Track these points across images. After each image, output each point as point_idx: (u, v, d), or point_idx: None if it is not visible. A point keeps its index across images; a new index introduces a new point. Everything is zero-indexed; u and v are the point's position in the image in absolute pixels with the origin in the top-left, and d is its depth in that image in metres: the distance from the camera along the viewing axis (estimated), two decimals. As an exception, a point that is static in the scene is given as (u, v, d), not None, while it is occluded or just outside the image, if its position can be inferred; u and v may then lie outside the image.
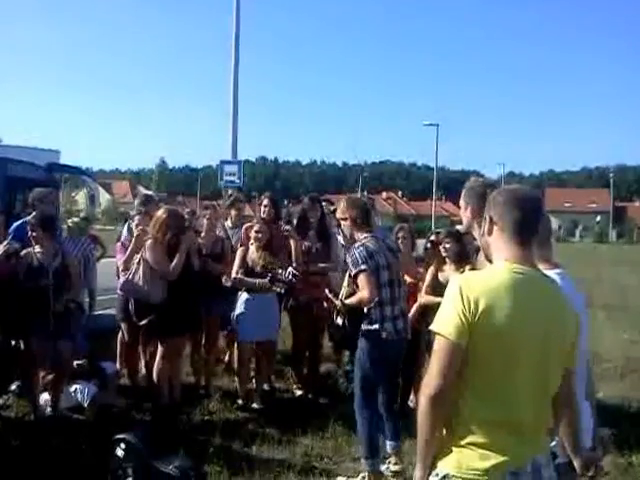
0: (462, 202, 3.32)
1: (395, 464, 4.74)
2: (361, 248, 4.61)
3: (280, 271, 6.05)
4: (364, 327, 4.63)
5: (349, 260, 4.66)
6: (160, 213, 5.88)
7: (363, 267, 4.52)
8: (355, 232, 4.82)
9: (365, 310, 4.62)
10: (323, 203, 7.28)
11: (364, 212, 4.82)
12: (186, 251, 5.73)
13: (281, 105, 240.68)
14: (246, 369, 6.45)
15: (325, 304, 5.20)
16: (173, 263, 5.67)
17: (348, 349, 7.04)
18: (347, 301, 4.69)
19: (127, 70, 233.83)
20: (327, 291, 5.04)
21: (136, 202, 7.27)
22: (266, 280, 6.06)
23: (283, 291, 6.16)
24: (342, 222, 4.99)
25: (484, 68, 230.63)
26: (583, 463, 2.58)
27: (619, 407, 6.52)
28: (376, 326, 4.60)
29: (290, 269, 6.11)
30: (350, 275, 4.68)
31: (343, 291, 4.83)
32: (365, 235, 4.74)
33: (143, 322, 5.76)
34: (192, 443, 4.95)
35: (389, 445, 4.80)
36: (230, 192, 8.12)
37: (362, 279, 4.53)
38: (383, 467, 4.75)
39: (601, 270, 23.10)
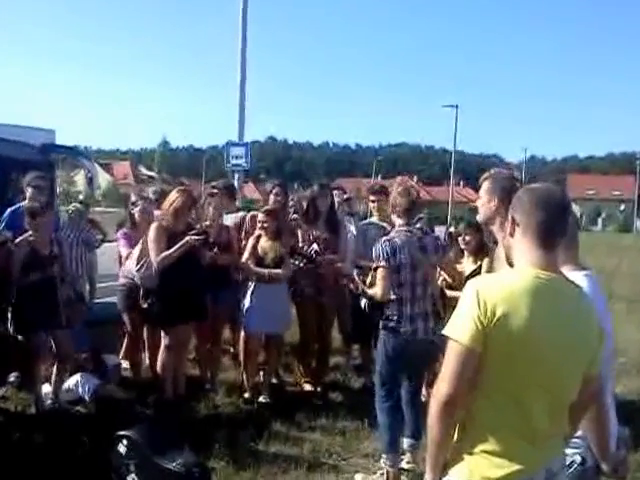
0: (485, 194, 3.33)
1: (408, 462, 4.80)
2: (387, 243, 4.70)
3: (301, 244, 6.13)
4: (382, 322, 4.75)
5: (374, 251, 4.76)
6: (176, 196, 5.86)
7: (382, 264, 4.65)
8: (394, 221, 4.92)
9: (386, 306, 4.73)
10: (335, 192, 7.28)
11: (408, 203, 4.86)
12: (185, 250, 5.69)
13: (292, 83, 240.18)
14: (254, 362, 6.50)
15: (352, 285, 5.31)
16: (163, 254, 5.66)
17: (358, 342, 7.12)
18: (367, 290, 4.85)
19: (127, 44, 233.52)
20: (355, 273, 5.13)
21: (151, 192, 7.24)
22: (275, 271, 6.14)
23: (302, 264, 6.20)
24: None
25: (506, 49, 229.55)
26: (612, 466, 2.64)
27: (636, 403, 6.56)
28: (392, 324, 4.70)
29: (314, 245, 6.19)
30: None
31: (369, 278, 4.94)
32: (400, 227, 4.82)
33: (144, 305, 5.83)
34: (197, 438, 5.00)
35: (407, 442, 4.86)
36: (213, 184, 8.03)
37: (379, 275, 4.68)
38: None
39: (623, 261, 22.99)
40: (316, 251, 6.27)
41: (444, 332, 2.21)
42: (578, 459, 2.70)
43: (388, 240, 4.73)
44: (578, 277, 2.59)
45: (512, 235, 2.32)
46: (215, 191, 7.03)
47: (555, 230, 2.25)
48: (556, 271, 2.24)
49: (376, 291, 4.72)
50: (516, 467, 2.16)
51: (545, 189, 2.32)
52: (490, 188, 3.29)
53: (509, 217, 2.34)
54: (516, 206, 2.31)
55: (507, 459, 2.16)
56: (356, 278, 5.05)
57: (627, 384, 7.10)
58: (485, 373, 2.16)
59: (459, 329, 2.16)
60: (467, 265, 6.05)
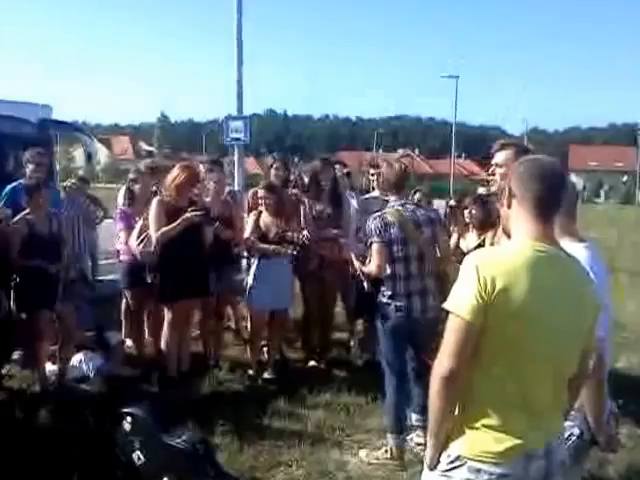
0: (506, 163, 3.32)
1: (419, 436, 4.81)
2: (378, 219, 4.65)
3: (290, 233, 6.10)
4: (379, 299, 4.73)
5: (367, 228, 4.73)
6: (178, 172, 5.83)
7: (375, 239, 4.61)
8: (389, 195, 4.88)
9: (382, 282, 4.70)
10: (336, 166, 7.23)
11: (399, 176, 4.81)
12: (185, 226, 5.67)
13: (291, 54, 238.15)
14: (259, 338, 6.52)
15: (351, 268, 5.27)
16: (163, 229, 5.65)
17: (362, 317, 7.11)
18: (363, 268, 4.80)
19: (124, 16, 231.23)
20: (353, 255, 5.09)
21: (143, 165, 7.17)
22: (278, 247, 6.14)
23: (295, 253, 6.20)
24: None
25: (507, 19, 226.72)
26: (606, 439, 2.70)
27: (638, 377, 6.56)
28: (387, 300, 4.68)
29: (305, 232, 6.19)
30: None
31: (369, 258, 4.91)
32: (394, 203, 4.77)
33: (148, 280, 5.84)
34: (201, 415, 5.03)
35: (414, 418, 4.88)
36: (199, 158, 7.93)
37: (373, 250, 4.65)
38: (407, 438, 4.84)
39: (624, 233, 22.96)
40: (307, 237, 6.22)
41: (444, 306, 2.23)
42: (576, 431, 2.75)
43: (379, 216, 4.68)
44: (578, 248, 2.63)
45: (509, 206, 2.34)
46: (210, 166, 6.94)
47: (550, 202, 2.26)
48: (553, 242, 2.26)
49: (370, 268, 4.68)
50: (516, 441, 2.18)
51: (541, 161, 2.33)
52: (510, 159, 3.25)
53: (506, 188, 2.36)
54: (513, 178, 2.33)
55: (507, 433, 2.19)
56: (354, 259, 4.99)
57: (629, 358, 7.11)
58: (486, 347, 2.18)
59: (459, 303, 2.17)
60: (471, 239, 6.03)
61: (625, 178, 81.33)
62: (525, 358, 2.19)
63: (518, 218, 2.30)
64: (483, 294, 2.13)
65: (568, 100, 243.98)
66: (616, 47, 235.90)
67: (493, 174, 3.54)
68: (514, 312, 2.14)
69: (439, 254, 4.93)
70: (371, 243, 4.65)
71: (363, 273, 4.81)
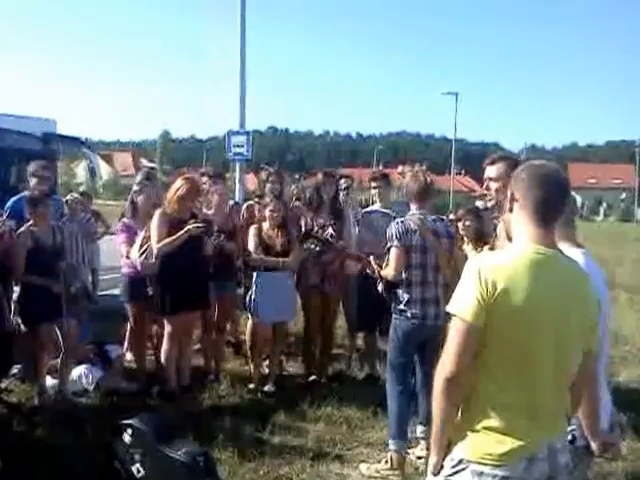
0: (499, 177, 3.36)
1: (422, 449, 4.79)
2: (400, 224, 4.76)
3: (316, 228, 6.13)
4: (393, 305, 4.80)
5: (387, 232, 4.81)
6: (181, 184, 5.84)
7: (395, 243, 4.70)
8: (411, 205, 4.95)
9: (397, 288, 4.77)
10: (343, 179, 7.30)
11: (423, 188, 4.88)
12: (185, 238, 5.67)
13: (292, 73, 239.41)
14: (261, 352, 6.49)
15: (369, 270, 5.28)
16: (163, 241, 5.65)
17: (363, 330, 7.10)
18: (382, 272, 4.88)
19: (127, 34, 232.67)
20: (372, 258, 5.12)
21: (139, 177, 7.20)
22: (287, 259, 6.16)
23: (318, 249, 6.20)
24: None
25: (506, 37, 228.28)
26: (601, 445, 2.66)
27: (638, 391, 6.52)
28: (402, 306, 4.74)
29: (329, 230, 6.19)
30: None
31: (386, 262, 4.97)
32: (414, 211, 4.85)
33: (150, 293, 5.84)
34: (201, 428, 5.01)
35: (419, 430, 4.87)
36: (202, 170, 8.01)
37: (391, 255, 4.74)
38: (410, 451, 4.83)
39: (624, 251, 22.96)
40: (331, 234, 6.27)
41: (447, 309, 2.27)
42: (568, 437, 2.71)
43: (401, 221, 4.79)
44: (576, 254, 2.65)
45: (511, 210, 2.38)
46: (207, 180, 6.97)
47: (552, 207, 2.29)
48: (553, 246, 2.29)
49: (387, 271, 4.76)
50: (517, 443, 2.20)
51: (543, 166, 2.37)
52: (508, 172, 3.28)
53: (508, 193, 2.39)
54: (515, 182, 2.36)
55: (509, 435, 2.20)
56: (372, 262, 5.04)
57: (630, 372, 7.08)
58: (488, 349, 2.21)
59: (461, 305, 2.21)
60: (468, 251, 6.02)
61: (624, 195, 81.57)
62: (527, 359, 2.21)
63: (519, 222, 2.33)
64: (485, 296, 2.16)
65: (565, 117, 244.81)
66: (614, 64, 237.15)
67: (488, 189, 3.56)
68: (516, 314, 2.17)
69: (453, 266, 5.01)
70: (390, 247, 4.73)
71: (380, 276, 4.86)
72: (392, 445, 4.68)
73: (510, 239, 2.44)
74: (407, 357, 4.82)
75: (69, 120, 51.80)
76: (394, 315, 4.81)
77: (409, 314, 4.71)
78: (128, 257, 6.24)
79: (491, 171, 3.51)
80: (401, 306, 4.74)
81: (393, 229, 4.75)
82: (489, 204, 3.62)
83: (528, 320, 2.18)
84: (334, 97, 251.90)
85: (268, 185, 6.90)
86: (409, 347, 4.79)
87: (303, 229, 6.53)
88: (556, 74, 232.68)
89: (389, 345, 4.92)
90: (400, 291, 4.75)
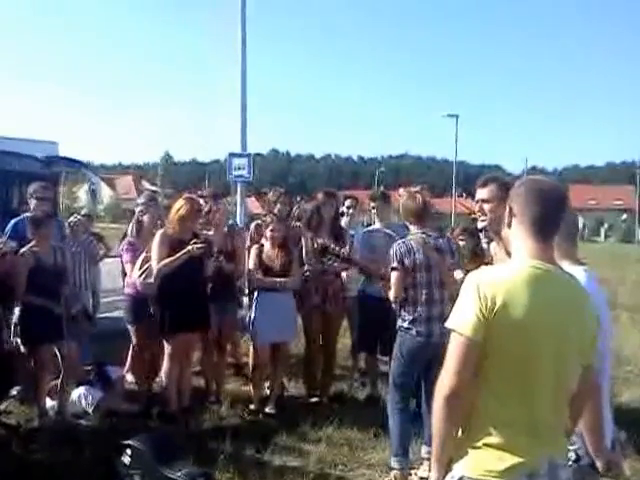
0: (494, 199, 3.37)
1: (425, 470, 4.73)
2: (401, 244, 4.79)
3: (333, 245, 6.11)
4: (398, 323, 4.81)
5: (390, 253, 4.83)
6: (182, 204, 5.86)
7: (395, 265, 4.73)
8: (411, 225, 4.98)
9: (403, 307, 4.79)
10: (348, 200, 7.31)
11: (420, 208, 4.91)
12: (186, 258, 5.67)
13: (294, 96, 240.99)
14: (261, 372, 6.46)
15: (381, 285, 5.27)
16: (163, 261, 5.66)
17: (364, 351, 7.07)
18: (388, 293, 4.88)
19: (128, 59, 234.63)
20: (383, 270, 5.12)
21: (141, 200, 7.21)
22: (286, 279, 6.17)
23: (336, 264, 6.11)
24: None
25: (506, 59, 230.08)
26: (605, 463, 2.65)
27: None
28: (407, 324, 4.75)
29: (346, 248, 6.13)
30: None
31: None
32: (416, 231, 4.88)
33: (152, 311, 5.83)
34: (202, 449, 4.99)
35: (424, 450, 4.82)
36: (199, 192, 8.08)
37: (392, 277, 4.76)
38: (413, 472, 4.80)
39: (626, 272, 22.93)
40: (348, 252, 6.27)
41: (447, 325, 2.26)
42: (572, 456, 2.72)
43: (403, 242, 4.81)
44: (577, 271, 2.64)
45: (509, 226, 2.38)
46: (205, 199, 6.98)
47: (550, 222, 2.30)
48: (551, 261, 2.29)
49: (389, 294, 4.79)
50: (518, 460, 2.18)
51: (541, 182, 2.38)
52: (499, 193, 3.29)
53: (507, 208, 2.39)
54: (514, 197, 2.37)
55: (509, 452, 2.19)
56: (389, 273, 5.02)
57: (633, 392, 7.04)
58: (487, 364, 2.20)
59: (460, 321, 2.21)
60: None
61: (624, 216, 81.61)
62: (527, 374, 2.20)
63: (518, 237, 2.33)
64: (484, 311, 2.16)
65: (566, 138, 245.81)
66: (613, 86, 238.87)
67: (481, 210, 3.57)
68: (515, 328, 2.16)
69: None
70: (392, 269, 4.74)
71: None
72: (394, 463, 4.66)
73: (509, 254, 2.44)
74: (410, 375, 4.81)
75: (71, 144, 52.12)
76: (399, 332, 4.81)
77: (414, 332, 4.71)
78: (130, 276, 6.24)
79: (483, 193, 3.51)
80: (406, 324, 4.74)
81: (395, 249, 4.77)
82: (480, 225, 3.62)
83: (527, 334, 2.17)
84: (335, 120, 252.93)
85: (278, 206, 6.95)
86: (413, 365, 4.77)
87: (304, 250, 6.54)
88: (557, 96, 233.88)
89: (393, 362, 4.91)
90: (406, 310, 4.75)
